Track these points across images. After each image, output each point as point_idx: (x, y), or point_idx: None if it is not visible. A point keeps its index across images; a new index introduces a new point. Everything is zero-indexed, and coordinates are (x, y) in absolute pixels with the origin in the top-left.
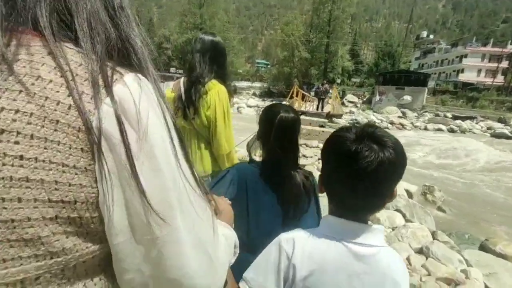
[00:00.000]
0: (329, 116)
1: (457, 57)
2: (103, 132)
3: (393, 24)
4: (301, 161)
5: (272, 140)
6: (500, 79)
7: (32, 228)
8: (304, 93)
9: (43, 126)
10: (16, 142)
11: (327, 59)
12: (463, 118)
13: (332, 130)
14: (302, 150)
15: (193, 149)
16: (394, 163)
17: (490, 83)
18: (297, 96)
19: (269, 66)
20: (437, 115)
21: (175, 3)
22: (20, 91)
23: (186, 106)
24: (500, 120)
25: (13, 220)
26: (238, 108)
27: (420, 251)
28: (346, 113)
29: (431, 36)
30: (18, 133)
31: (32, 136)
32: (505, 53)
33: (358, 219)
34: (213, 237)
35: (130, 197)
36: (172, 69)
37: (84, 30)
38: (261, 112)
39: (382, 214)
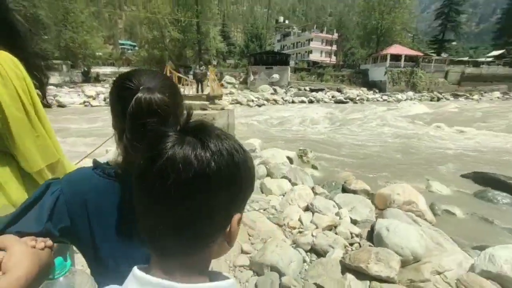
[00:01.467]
0: (210, 98)
1: (306, 40)
2: None
3: (255, 9)
4: None
5: (125, 140)
6: (333, 59)
7: None
8: (181, 75)
9: None
10: None
11: (200, 40)
12: (317, 90)
13: (214, 112)
14: None
15: None
16: (220, 170)
17: (329, 61)
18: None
19: (136, 48)
20: (299, 89)
21: None
22: None
23: None
24: (338, 90)
25: None
26: (105, 99)
27: (307, 209)
28: (226, 94)
29: (287, 21)
30: None
31: None
32: (334, 39)
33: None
34: None
35: None
36: None
37: None
38: (110, 88)
39: (272, 184)
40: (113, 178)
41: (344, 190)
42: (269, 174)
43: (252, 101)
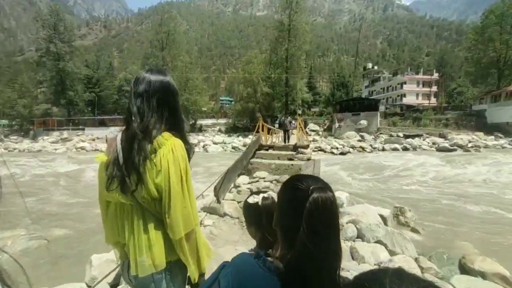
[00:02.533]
0: (296, 148)
1: (398, 84)
2: None
3: (342, 59)
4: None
5: (302, 235)
6: (433, 100)
7: None
8: (269, 126)
9: None
10: None
11: (288, 93)
12: (413, 136)
13: (300, 163)
14: (274, 187)
15: (137, 234)
16: None
17: (427, 104)
18: (262, 130)
19: (232, 103)
20: (390, 135)
21: (137, 47)
22: None
23: (126, 174)
24: (440, 135)
25: None
26: (204, 146)
27: None
28: (310, 141)
29: (375, 67)
30: None
31: None
32: (433, 80)
33: None
34: None
35: None
36: None
37: None
38: (280, 190)
39: (364, 249)
40: (272, 272)
41: (463, 269)
42: (360, 236)
43: (336, 148)
